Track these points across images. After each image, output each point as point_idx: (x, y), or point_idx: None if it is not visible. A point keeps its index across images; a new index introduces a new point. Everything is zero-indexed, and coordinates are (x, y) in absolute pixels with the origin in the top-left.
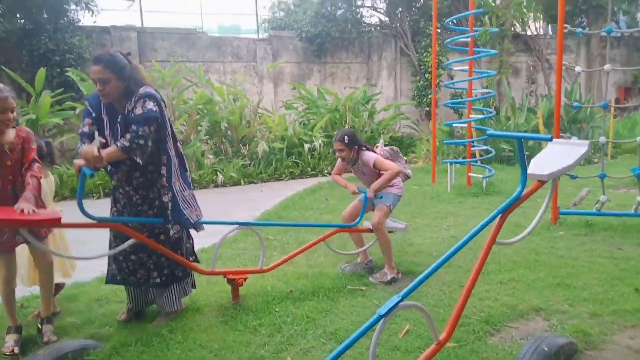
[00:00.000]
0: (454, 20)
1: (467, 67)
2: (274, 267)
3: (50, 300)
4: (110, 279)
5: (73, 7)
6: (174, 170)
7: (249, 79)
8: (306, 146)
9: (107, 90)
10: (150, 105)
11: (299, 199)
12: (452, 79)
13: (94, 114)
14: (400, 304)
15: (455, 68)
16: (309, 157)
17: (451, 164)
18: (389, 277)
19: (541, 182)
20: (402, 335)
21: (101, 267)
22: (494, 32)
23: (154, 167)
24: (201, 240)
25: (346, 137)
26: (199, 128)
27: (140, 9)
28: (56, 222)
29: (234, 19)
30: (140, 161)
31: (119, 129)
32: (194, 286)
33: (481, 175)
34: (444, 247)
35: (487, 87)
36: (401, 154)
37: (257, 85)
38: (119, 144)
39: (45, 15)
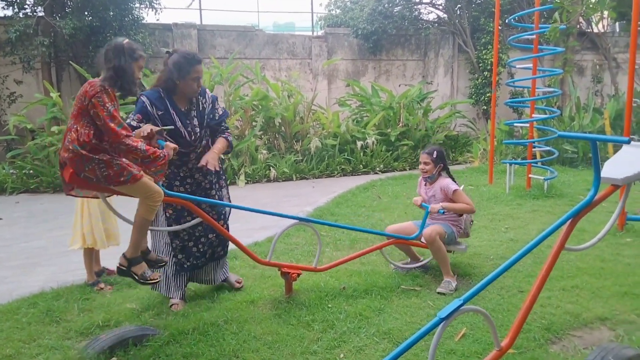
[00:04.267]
0: (517, 17)
1: (530, 65)
2: (328, 268)
3: (139, 242)
4: (179, 268)
5: (137, 5)
6: None
7: (304, 75)
8: (359, 143)
9: (200, 86)
10: (222, 107)
11: (352, 195)
12: (512, 77)
13: (153, 110)
14: (462, 307)
15: (517, 66)
16: (361, 154)
17: (510, 164)
18: (454, 285)
19: (615, 187)
20: (459, 338)
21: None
22: (561, 30)
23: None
24: (255, 233)
25: (435, 152)
26: (254, 123)
27: (200, 7)
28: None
29: (289, 16)
30: (231, 150)
31: (193, 126)
32: None
33: (542, 177)
34: (502, 251)
35: (549, 86)
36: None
37: (311, 82)
38: (228, 138)
39: (111, 13)
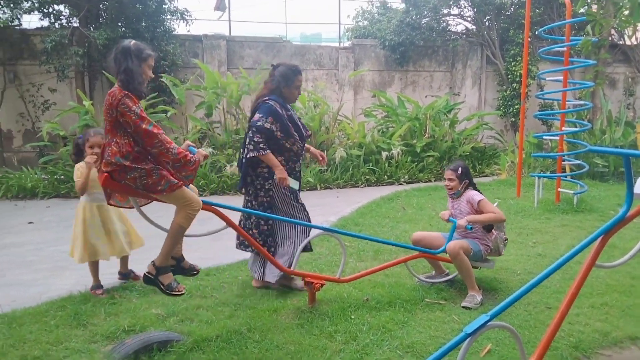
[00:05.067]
0: (547, 30)
1: (560, 78)
2: (351, 279)
3: (171, 251)
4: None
5: (169, 16)
6: None
7: (330, 86)
8: (384, 154)
9: (297, 95)
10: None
11: (376, 206)
12: (542, 89)
13: (282, 111)
14: (489, 323)
15: (548, 78)
16: (386, 165)
17: (539, 177)
18: (479, 299)
19: None
20: (484, 354)
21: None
22: (594, 42)
23: None
24: None
25: (460, 169)
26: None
27: (229, 19)
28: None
29: (316, 27)
30: None
31: (303, 125)
32: None
33: (572, 191)
34: (530, 266)
35: (580, 99)
36: (505, 228)
37: (337, 92)
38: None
39: (143, 24)
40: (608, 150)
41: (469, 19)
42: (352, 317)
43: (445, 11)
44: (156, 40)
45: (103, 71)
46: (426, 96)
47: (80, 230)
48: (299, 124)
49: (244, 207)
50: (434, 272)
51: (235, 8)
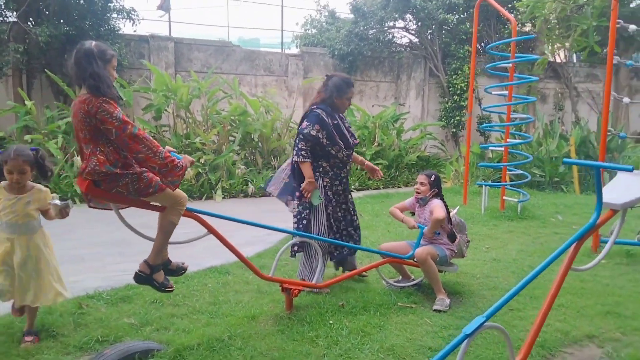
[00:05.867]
0: (495, 46)
1: (505, 92)
2: (327, 285)
3: (163, 248)
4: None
5: (115, 15)
6: None
7: (280, 92)
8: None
9: (347, 105)
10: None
11: None
12: (480, 102)
13: (328, 120)
14: (485, 324)
15: (494, 92)
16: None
17: (486, 186)
18: (447, 302)
19: (614, 212)
20: None
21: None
22: (530, 60)
23: None
24: (241, 248)
25: (434, 176)
26: (231, 138)
27: (169, 20)
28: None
29: (255, 32)
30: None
31: (351, 133)
32: None
33: (516, 199)
34: (487, 270)
35: (517, 112)
36: (467, 230)
37: (287, 99)
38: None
39: (87, 22)
40: (582, 162)
41: (413, 32)
42: (331, 322)
43: (391, 24)
44: (101, 39)
45: (46, 70)
46: (373, 105)
47: None
48: (346, 132)
49: (296, 214)
50: (400, 277)
51: (176, 9)
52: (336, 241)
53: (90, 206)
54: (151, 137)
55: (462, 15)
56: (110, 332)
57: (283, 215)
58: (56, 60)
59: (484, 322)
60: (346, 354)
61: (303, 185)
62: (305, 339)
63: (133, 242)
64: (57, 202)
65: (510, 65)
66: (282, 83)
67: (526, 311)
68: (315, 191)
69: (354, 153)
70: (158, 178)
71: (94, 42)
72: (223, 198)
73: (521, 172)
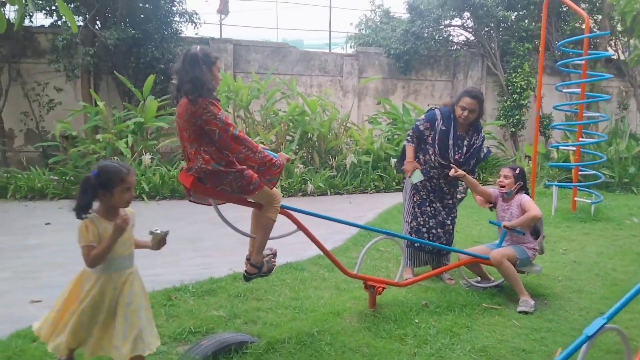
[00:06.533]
0: (566, 44)
1: (576, 90)
2: (410, 283)
3: (264, 245)
4: (411, 245)
5: (177, 18)
6: None
7: (334, 92)
8: (392, 160)
9: (470, 117)
10: (487, 147)
11: (397, 212)
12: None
13: (439, 123)
14: (606, 326)
15: (564, 90)
16: (395, 171)
17: (556, 187)
18: (532, 303)
19: None
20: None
21: (229, 264)
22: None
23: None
24: (310, 247)
25: (518, 169)
26: (288, 138)
27: (220, 23)
28: None
29: (298, 34)
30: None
31: (464, 149)
32: None
33: (589, 200)
34: (568, 272)
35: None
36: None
37: (341, 98)
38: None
39: (151, 25)
40: None
41: (470, 30)
42: (416, 320)
43: (448, 22)
44: (165, 42)
45: (115, 72)
46: (428, 105)
47: (74, 310)
48: (450, 142)
49: (407, 200)
50: (479, 278)
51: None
52: (410, 237)
53: (190, 200)
54: (250, 139)
55: (521, 13)
56: (201, 323)
57: (345, 214)
58: (123, 62)
59: (605, 323)
60: (437, 354)
61: (404, 165)
62: (393, 336)
63: (203, 238)
64: (158, 230)
65: (583, 62)
66: (336, 83)
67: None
68: (415, 170)
69: (470, 178)
70: (257, 176)
71: (199, 47)
72: (282, 197)
73: (594, 172)
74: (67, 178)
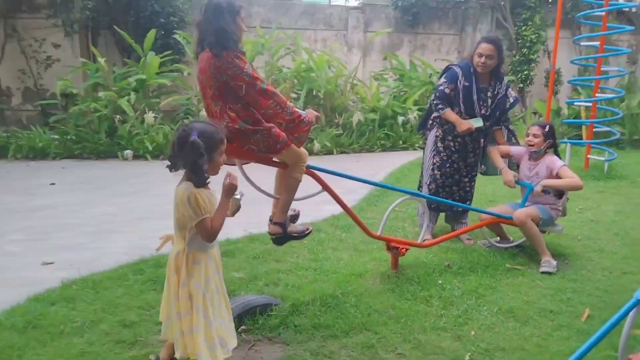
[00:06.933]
0: None
1: (597, 43)
2: (433, 244)
3: (289, 204)
4: (429, 208)
5: None
6: None
7: (339, 47)
8: (400, 119)
9: (488, 64)
10: (513, 95)
11: (408, 171)
12: (549, 55)
13: (461, 79)
14: None
15: (582, 43)
16: (402, 130)
17: (570, 144)
18: (554, 263)
19: None
20: (585, 318)
21: (241, 225)
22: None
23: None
24: (326, 205)
25: (548, 127)
26: (293, 95)
27: None
28: None
29: None
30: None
31: (488, 101)
32: None
33: (602, 158)
34: (587, 231)
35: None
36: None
37: (346, 54)
38: (508, 127)
39: None
40: None
41: None
42: (440, 281)
43: None
44: None
45: (115, 27)
46: (435, 60)
47: (202, 314)
48: (475, 98)
49: (426, 162)
50: (499, 238)
51: None
52: (437, 198)
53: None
54: (280, 93)
55: None
56: None
57: (353, 173)
58: (122, 17)
59: None
60: (465, 315)
61: (457, 129)
62: (419, 298)
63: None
64: (238, 195)
65: (604, 13)
66: (341, 38)
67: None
68: (469, 120)
69: (498, 131)
70: (284, 134)
71: None
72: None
73: (609, 129)
74: (68, 137)
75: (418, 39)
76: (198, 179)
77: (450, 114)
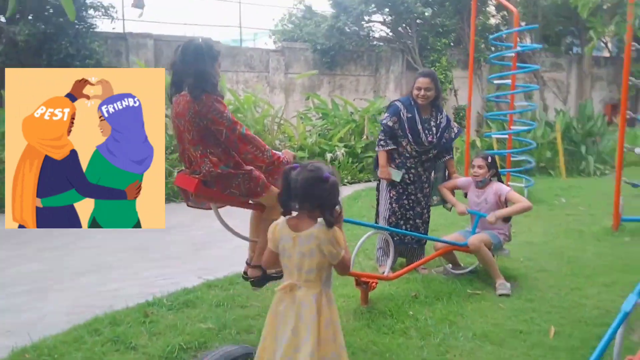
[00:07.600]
0: (497, 37)
1: (508, 81)
2: (398, 276)
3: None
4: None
5: (92, 12)
6: None
7: (261, 88)
8: (328, 155)
9: (428, 95)
10: (456, 126)
11: (347, 206)
12: (455, 93)
13: (404, 112)
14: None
15: (496, 82)
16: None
17: None
18: (509, 285)
19: None
20: (552, 336)
21: (194, 273)
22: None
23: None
24: None
25: (490, 157)
26: None
27: (123, 17)
28: None
29: (209, 30)
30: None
31: (433, 130)
32: None
33: (523, 185)
34: (528, 253)
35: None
36: None
37: (268, 95)
38: (449, 157)
39: (61, 19)
40: None
41: (389, 25)
42: (411, 312)
43: (367, 18)
44: (80, 37)
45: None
46: (354, 99)
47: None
48: (419, 127)
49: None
50: (450, 265)
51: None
52: (398, 230)
53: (188, 205)
54: (258, 138)
55: (435, 9)
56: (190, 338)
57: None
58: (33, 60)
59: (638, 300)
60: (444, 343)
61: (379, 173)
62: (396, 331)
63: (149, 247)
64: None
65: (513, 55)
66: (263, 79)
67: (585, 290)
68: (392, 171)
69: (451, 160)
70: (263, 177)
71: (201, 38)
72: None
73: (525, 158)
74: None
75: (336, 79)
76: (333, 218)
77: (381, 155)
